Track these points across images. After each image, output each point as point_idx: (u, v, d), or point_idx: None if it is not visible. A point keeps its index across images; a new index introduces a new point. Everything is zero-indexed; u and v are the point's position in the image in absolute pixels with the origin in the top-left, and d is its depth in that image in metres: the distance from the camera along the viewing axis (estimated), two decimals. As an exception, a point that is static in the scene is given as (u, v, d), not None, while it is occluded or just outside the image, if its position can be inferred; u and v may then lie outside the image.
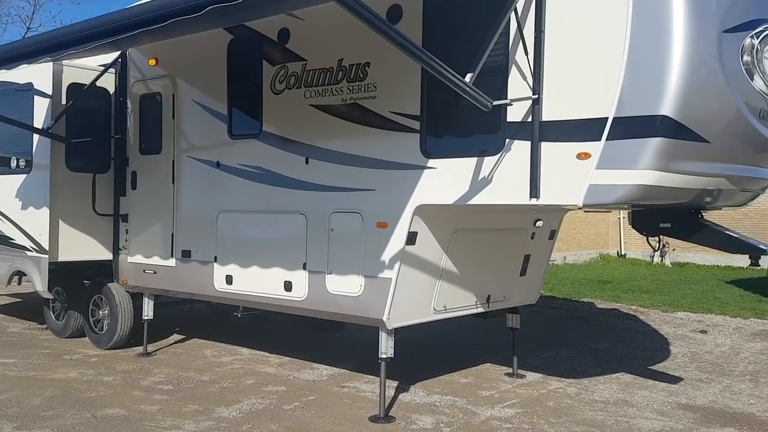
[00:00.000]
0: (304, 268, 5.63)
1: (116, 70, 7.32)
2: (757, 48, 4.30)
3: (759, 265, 4.90)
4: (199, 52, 6.43)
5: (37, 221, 7.23)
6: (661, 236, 5.53)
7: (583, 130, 4.20)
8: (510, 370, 6.54)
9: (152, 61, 6.92)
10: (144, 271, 7.05)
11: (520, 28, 4.42)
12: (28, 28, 24.87)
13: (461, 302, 5.73)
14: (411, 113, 5.02)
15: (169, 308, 8.03)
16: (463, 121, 4.81)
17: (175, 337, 8.04)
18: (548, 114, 4.37)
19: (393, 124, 5.12)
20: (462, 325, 7.14)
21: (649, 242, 5.54)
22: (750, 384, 6.37)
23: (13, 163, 7.72)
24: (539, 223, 6.05)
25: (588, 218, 18.78)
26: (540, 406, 5.53)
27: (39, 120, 7.24)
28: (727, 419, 5.32)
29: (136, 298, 7.30)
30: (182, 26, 4.13)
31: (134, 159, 7.16)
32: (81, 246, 7.29)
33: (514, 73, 4.51)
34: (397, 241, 5.08)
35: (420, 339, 7.41)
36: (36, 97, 7.29)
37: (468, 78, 4.18)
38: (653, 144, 3.99)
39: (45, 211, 7.12)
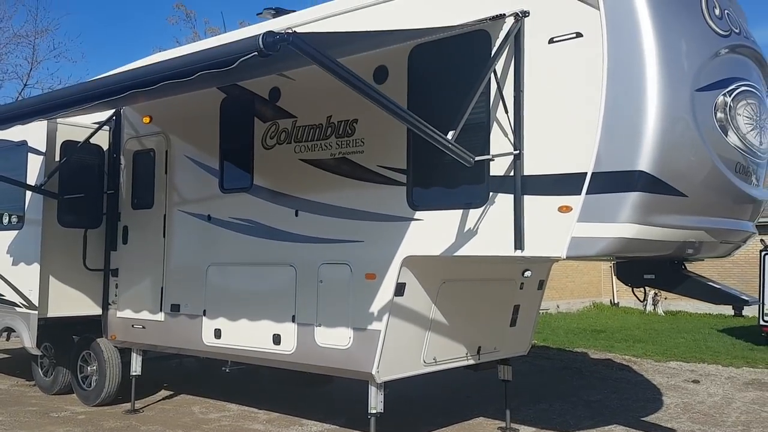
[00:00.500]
0: (293, 321, 5.64)
1: (110, 128, 7.45)
2: (730, 105, 4.47)
3: (743, 315, 4.96)
4: (192, 110, 6.59)
5: (27, 277, 7.22)
6: (646, 287, 5.59)
7: (564, 184, 4.32)
8: (503, 424, 6.48)
9: (146, 119, 7.07)
10: (133, 325, 7.02)
11: (500, 88, 4.59)
12: (25, 85, 25.29)
13: (451, 354, 5.73)
14: (398, 167, 5.14)
15: (158, 363, 7.95)
16: (449, 175, 4.93)
17: (163, 392, 7.93)
18: (530, 168, 4.49)
19: (380, 177, 5.23)
20: (453, 377, 7.09)
21: (634, 293, 5.59)
22: (743, 435, 6.33)
23: (5, 220, 7.77)
24: (527, 273, 6.11)
25: (580, 267, 18.83)
26: (532, 461, 5.46)
27: (32, 176, 7.33)
28: (720, 472, 5.27)
29: (125, 353, 7.24)
30: (176, 87, 4.27)
31: (126, 214, 7.24)
32: (70, 301, 7.27)
33: (495, 129, 4.65)
34: (385, 293, 5.11)
35: (410, 393, 7.34)
36: (30, 154, 7.40)
37: (450, 135, 4.32)
38: (632, 198, 4.10)
39: (36, 267, 7.13)
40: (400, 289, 5.06)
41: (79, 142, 7.33)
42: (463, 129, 4.40)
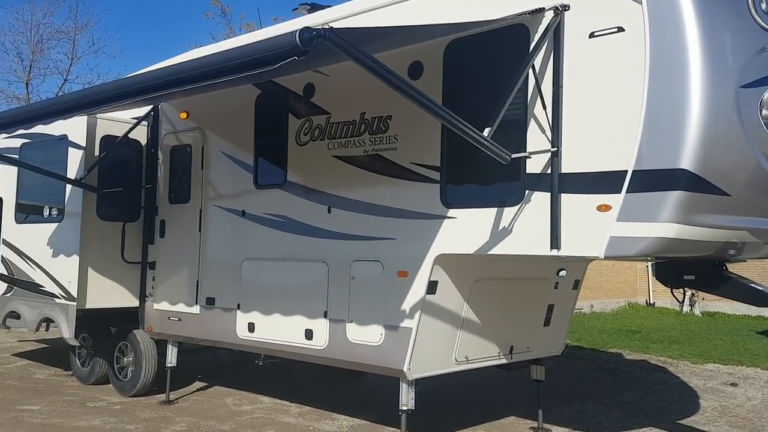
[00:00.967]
0: (325, 317, 5.66)
1: (148, 123, 7.58)
2: (776, 102, 4.33)
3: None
4: (228, 106, 6.65)
5: (66, 269, 7.39)
6: (685, 288, 5.46)
7: (603, 182, 4.23)
8: (535, 424, 6.40)
9: (183, 115, 7.17)
10: (169, 318, 7.14)
11: (538, 83, 4.52)
12: (66, 80, 25.92)
13: (483, 353, 5.68)
14: (431, 164, 5.11)
15: (193, 355, 8.07)
16: (483, 172, 4.88)
17: (198, 384, 8.05)
18: (567, 166, 4.41)
19: (414, 174, 5.21)
20: (485, 376, 7.04)
21: (673, 294, 5.47)
22: (785, 441, 6.16)
23: (46, 212, 7.96)
24: (562, 273, 6.02)
25: (615, 266, 18.52)
26: (565, 462, 5.40)
27: (72, 170, 7.49)
28: (760, 479, 5.13)
29: (160, 345, 7.37)
30: (213, 85, 4.29)
31: (163, 208, 7.35)
32: (108, 293, 7.42)
33: (532, 126, 4.58)
34: (417, 291, 5.10)
35: (442, 391, 7.31)
36: (70, 148, 7.56)
37: (486, 132, 4.26)
38: (673, 197, 4.00)
39: (75, 259, 7.29)
40: (432, 287, 5.04)
41: (118, 137, 7.47)
42: (499, 126, 4.34)
